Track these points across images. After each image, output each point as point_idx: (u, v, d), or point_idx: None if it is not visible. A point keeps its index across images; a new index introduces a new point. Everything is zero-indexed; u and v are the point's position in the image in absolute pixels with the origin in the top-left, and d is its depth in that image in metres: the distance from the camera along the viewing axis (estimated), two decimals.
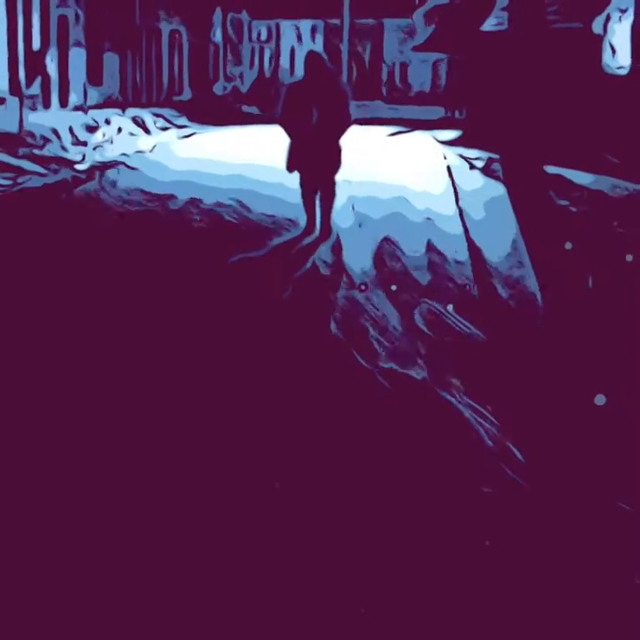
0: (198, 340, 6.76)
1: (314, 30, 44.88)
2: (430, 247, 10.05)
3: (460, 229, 11.03)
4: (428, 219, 11.83)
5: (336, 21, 42.46)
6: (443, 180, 15.81)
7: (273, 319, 7.28)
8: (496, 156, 17.45)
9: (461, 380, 5.79)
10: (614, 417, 5.29)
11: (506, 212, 12.29)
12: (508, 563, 3.80)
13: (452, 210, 12.45)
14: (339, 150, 10.47)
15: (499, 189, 14.40)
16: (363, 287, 8.15)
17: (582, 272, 8.52)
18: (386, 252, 9.63)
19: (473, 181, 15.63)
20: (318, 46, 42.90)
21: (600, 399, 5.45)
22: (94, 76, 27.44)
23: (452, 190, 14.39)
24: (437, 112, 33.10)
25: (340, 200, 11.23)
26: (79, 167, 15.81)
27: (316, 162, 10.40)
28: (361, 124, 27.01)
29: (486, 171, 16.85)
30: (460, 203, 13.06)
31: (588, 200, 13.59)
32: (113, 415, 5.28)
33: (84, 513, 4.16)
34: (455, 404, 5.43)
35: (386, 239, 10.30)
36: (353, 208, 12.38)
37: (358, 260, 9.23)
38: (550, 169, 15.76)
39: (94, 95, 27.12)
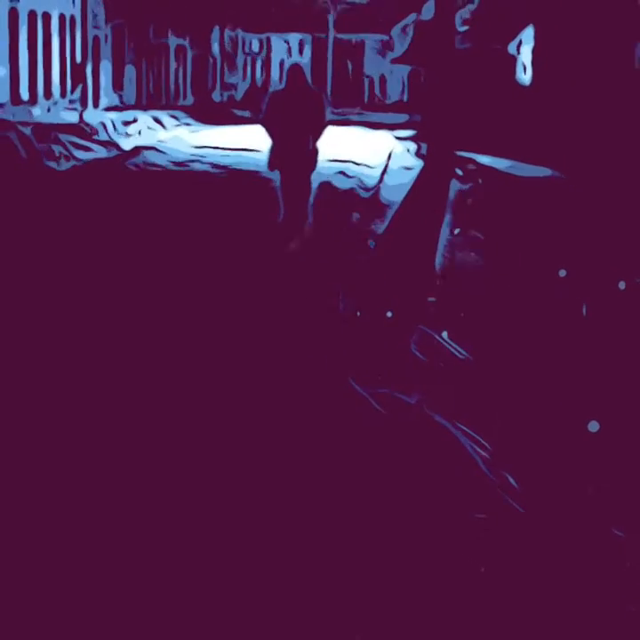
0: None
1: (302, 43, 49.30)
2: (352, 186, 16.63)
3: (376, 181, 17.56)
4: (357, 177, 18.45)
5: (322, 35, 47.52)
6: (382, 159, 22.24)
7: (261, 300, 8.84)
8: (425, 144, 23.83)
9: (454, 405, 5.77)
10: (608, 443, 5.33)
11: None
12: (504, 589, 3.84)
13: (377, 174, 18.92)
14: (315, 152, 11.03)
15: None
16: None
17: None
18: (323, 186, 16.02)
19: (405, 161, 22.03)
20: (305, 58, 47.59)
21: (593, 425, 5.47)
22: (118, 84, 34.06)
23: (385, 165, 20.87)
24: (406, 117, 39.42)
25: None
26: (124, 148, 22.38)
27: (294, 163, 11.00)
28: (339, 124, 32.99)
29: (417, 154, 23.23)
30: (386, 172, 19.48)
31: (478, 171, 19.92)
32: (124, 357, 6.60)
33: (82, 507, 4.38)
34: (451, 429, 5.44)
35: (326, 182, 16.70)
36: None
37: None
38: (463, 153, 22.05)
39: (118, 99, 33.74)
